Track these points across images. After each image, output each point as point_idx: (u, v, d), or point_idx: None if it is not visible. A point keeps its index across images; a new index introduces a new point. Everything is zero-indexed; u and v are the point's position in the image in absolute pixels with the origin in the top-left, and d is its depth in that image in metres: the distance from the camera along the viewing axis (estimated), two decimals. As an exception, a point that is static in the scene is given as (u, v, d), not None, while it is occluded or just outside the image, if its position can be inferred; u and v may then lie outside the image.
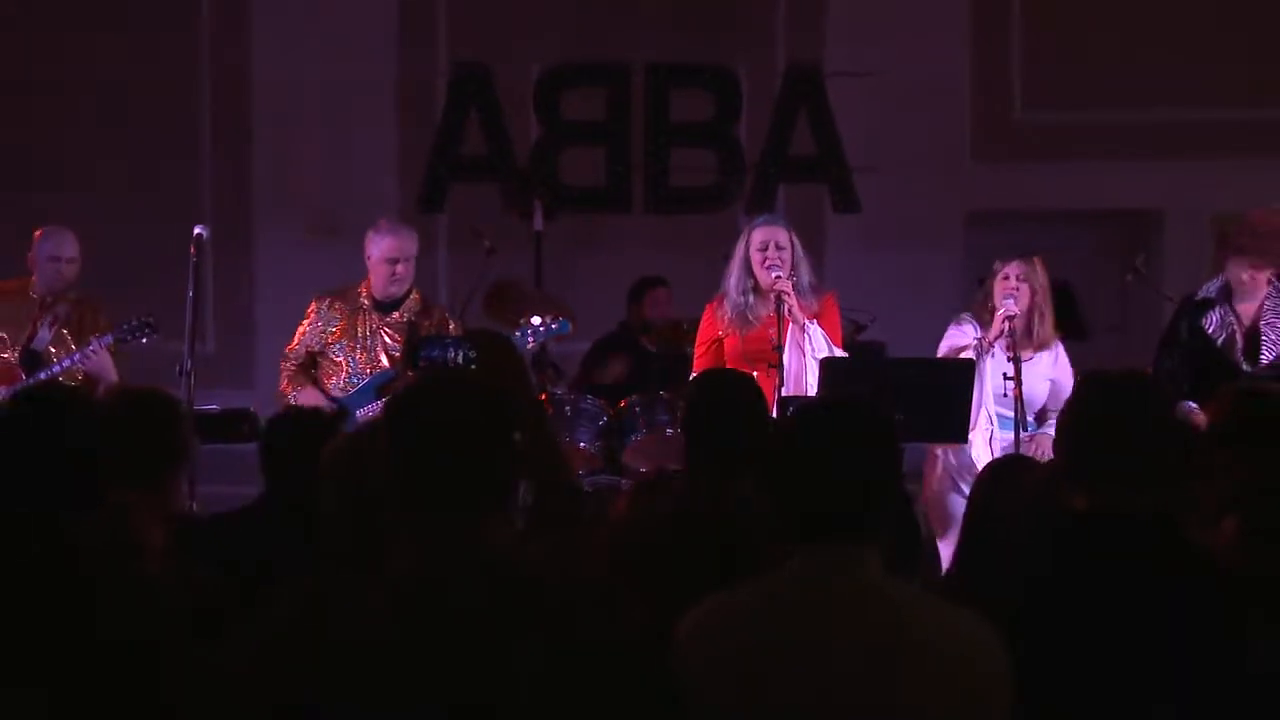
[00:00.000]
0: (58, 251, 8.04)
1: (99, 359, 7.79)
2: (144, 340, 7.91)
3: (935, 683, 2.96)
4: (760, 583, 3.10)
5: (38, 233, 8.12)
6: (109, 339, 7.80)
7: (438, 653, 2.88)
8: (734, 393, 4.92)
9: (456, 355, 3.97)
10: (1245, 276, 7.50)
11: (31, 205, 9.65)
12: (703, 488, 4.57)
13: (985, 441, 7.31)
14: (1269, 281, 7.51)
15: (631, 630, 3.07)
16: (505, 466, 3.05)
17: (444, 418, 3.02)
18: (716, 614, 3.09)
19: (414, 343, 7.56)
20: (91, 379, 7.79)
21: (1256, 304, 7.50)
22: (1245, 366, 7.38)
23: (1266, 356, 7.44)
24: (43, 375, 7.76)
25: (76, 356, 7.79)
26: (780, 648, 3.00)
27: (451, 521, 2.97)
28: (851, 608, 3.01)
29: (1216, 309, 7.53)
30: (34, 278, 8.08)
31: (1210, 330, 7.49)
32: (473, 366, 3.62)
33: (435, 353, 6.34)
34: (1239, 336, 7.47)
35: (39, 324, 8.00)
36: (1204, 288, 7.69)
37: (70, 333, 7.98)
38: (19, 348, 7.99)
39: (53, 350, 7.97)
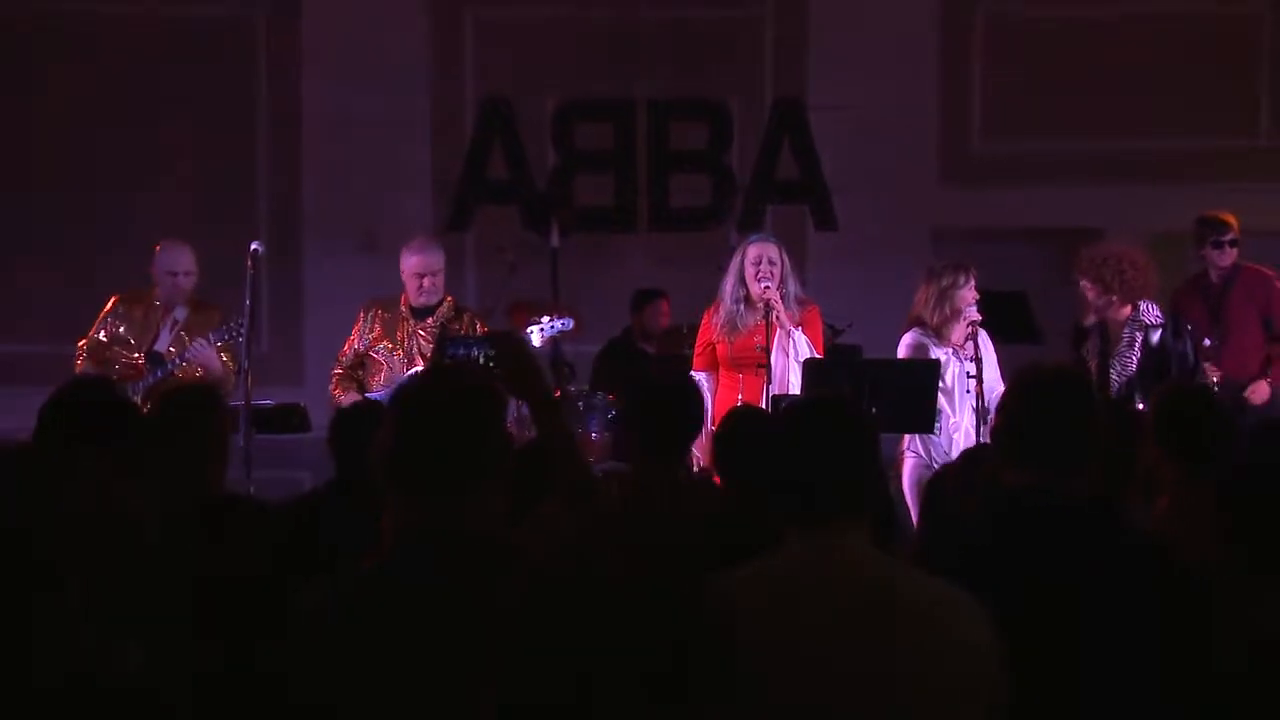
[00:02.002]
0: (174, 266, 7.98)
1: (203, 354, 7.77)
2: (241, 339, 7.80)
3: (924, 642, 2.95)
4: (764, 561, 3.10)
5: (157, 247, 8.11)
6: (213, 337, 7.80)
7: (420, 625, 2.83)
8: (670, 392, 4.90)
9: (478, 354, 3.96)
10: (1089, 298, 7.47)
11: (120, 228, 9.74)
12: (647, 473, 4.59)
13: (964, 435, 7.32)
14: (1132, 308, 7.47)
15: (607, 600, 3.04)
16: (488, 453, 2.98)
17: (432, 409, 2.98)
18: (731, 588, 3.08)
19: (442, 342, 7.66)
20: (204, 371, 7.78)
21: (1115, 338, 7.43)
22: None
23: (1113, 390, 7.38)
24: (159, 373, 7.77)
25: (187, 353, 7.81)
26: (788, 618, 2.98)
27: (436, 502, 2.92)
28: (847, 581, 3.00)
29: (1090, 337, 7.51)
30: (156, 287, 8.07)
31: (1085, 355, 7.49)
32: (492, 364, 3.60)
33: (460, 351, 6.38)
34: (1092, 367, 7.43)
35: (161, 328, 8.01)
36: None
37: (187, 334, 7.96)
38: (144, 350, 7.95)
39: (171, 350, 7.92)
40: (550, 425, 3.55)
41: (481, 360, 3.66)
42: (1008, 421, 3.62)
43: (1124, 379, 7.36)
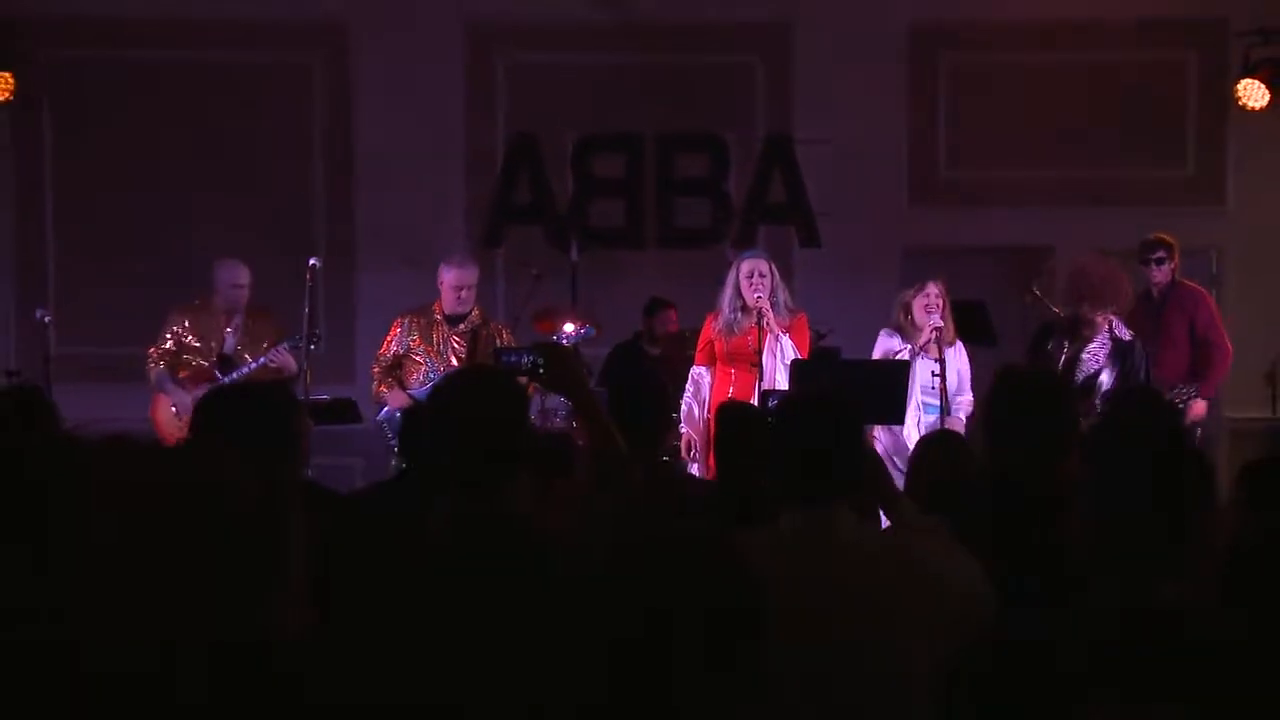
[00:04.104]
0: (237, 280, 8.21)
1: (282, 359, 7.95)
2: (313, 348, 7.97)
3: (911, 590, 2.96)
4: (765, 531, 3.09)
5: (218, 263, 8.32)
6: (286, 345, 7.94)
7: (463, 593, 2.81)
8: (642, 386, 4.92)
9: (529, 361, 3.99)
10: (1098, 319, 7.49)
11: (200, 244, 9.79)
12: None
13: (915, 425, 7.34)
14: (1109, 319, 7.52)
15: (622, 572, 3.01)
16: (519, 443, 2.99)
17: (464, 408, 2.99)
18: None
19: (474, 347, 7.68)
20: (280, 373, 7.93)
21: (1085, 341, 7.47)
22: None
23: (1077, 379, 7.43)
24: (234, 375, 7.92)
25: (263, 359, 7.92)
26: (786, 581, 2.89)
27: (474, 489, 2.93)
28: (838, 549, 3.01)
29: (1054, 336, 7.54)
30: (215, 297, 8.23)
31: (1050, 349, 7.52)
32: (541, 370, 3.62)
33: (512, 358, 6.41)
34: (1061, 361, 7.46)
35: (225, 334, 8.12)
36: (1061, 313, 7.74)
37: (247, 337, 8.16)
38: (214, 354, 8.08)
39: (239, 350, 8.06)
40: (591, 417, 3.57)
41: (530, 365, 3.67)
42: (989, 414, 3.67)
43: (1083, 375, 7.42)
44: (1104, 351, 7.46)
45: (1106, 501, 2.96)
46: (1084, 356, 7.43)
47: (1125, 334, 7.56)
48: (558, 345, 3.82)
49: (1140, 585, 2.79)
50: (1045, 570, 3.33)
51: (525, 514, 2.93)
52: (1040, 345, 7.69)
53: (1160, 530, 2.95)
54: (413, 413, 5.33)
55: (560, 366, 3.58)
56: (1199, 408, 7.99)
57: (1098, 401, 7.23)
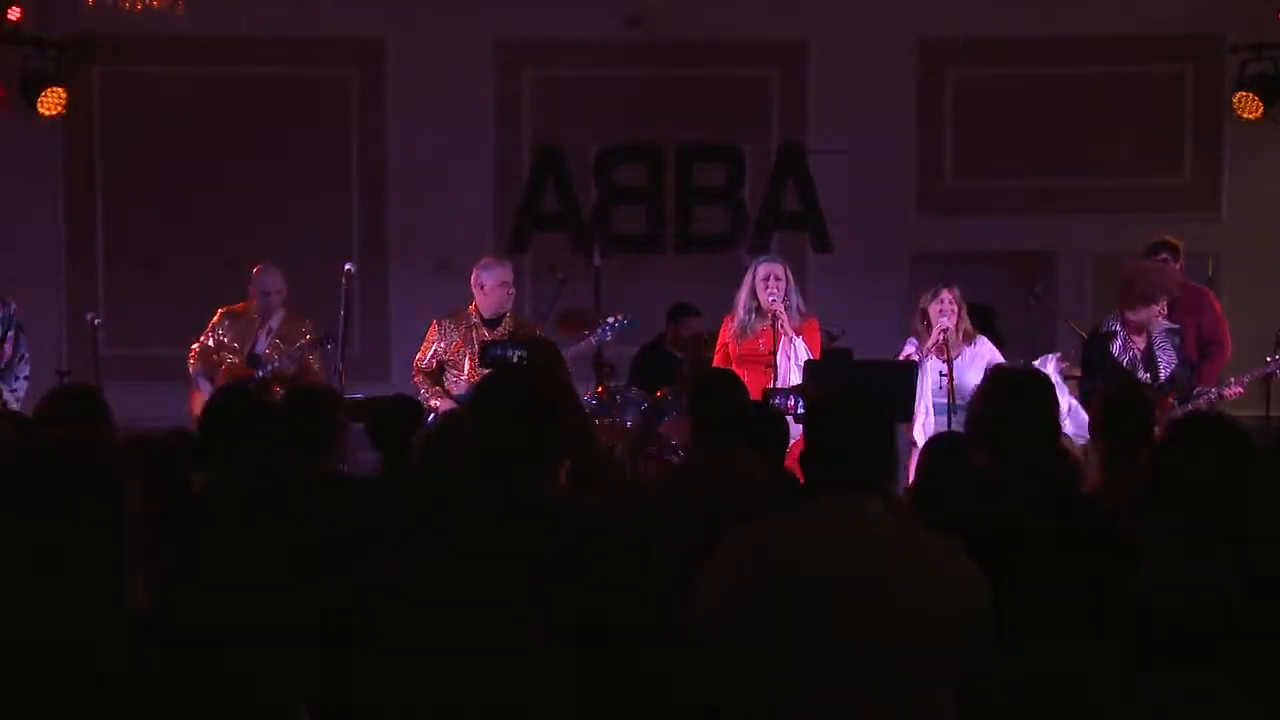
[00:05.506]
0: (266, 287, 8.30)
1: (302, 362, 8.09)
2: (329, 348, 8.16)
3: (923, 586, 2.95)
4: (797, 514, 3.11)
5: (255, 269, 8.37)
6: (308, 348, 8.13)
7: (486, 574, 2.82)
8: (724, 386, 4.88)
9: (513, 354, 3.99)
10: (1157, 309, 7.47)
11: (241, 250, 9.81)
12: (705, 452, 4.56)
13: (921, 426, 7.31)
14: (1160, 315, 7.52)
15: (642, 560, 3.02)
16: (546, 443, 3.01)
17: (505, 407, 3.02)
18: (766, 534, 3.08)
19: (486, 346, 7.64)
20: (301, 373, 8.08)
21: (1144, 336, 7.45)
22: (1149, 380, 7.32)
23: (1164, 373, 7.41)
24: (260, 373, 8.03)
25: (282, 361, 8.07)
26: (812, 560, 2.98)
27: (507, 478, 2.95)
28: (859, 533, 3.01)
29: (1117, 339, 7.46)
30: (252, 301, 8.34)
31: (1117, 355, 7.44)
32: (524, 362, 3.64)
33: (498, 352, 6.45)
34: (1139, 360, 7.41)
35: (259, 336, 8.27)
36: (1105, 323, 7.63)
37: (281, 340, 8.24)
38: (245, 354, 8.22)
39: (269, 353, 8.18)
40: (571, 412, 3.56)
41: (515, 359, 3.67)
42: (973, 416, 3.69)
43: (1166, 369, 7.44)
44: (1170, 342, 7.50)
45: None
46: (1157, 352, 7.44)
47: (1170, 323, 7.59)
48: (542, 341, 3.82)
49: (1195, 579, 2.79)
50: (1047, 570, 3.31)
51: (553, 503, 2.94)
52: (1099, 354, 7.56)
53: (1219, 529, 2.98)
54: (385, 406, 5.23)
55: (541, 359, 3.59)
56: (1236, 390, 7.97)
57: (1174, 395, 7.29)
